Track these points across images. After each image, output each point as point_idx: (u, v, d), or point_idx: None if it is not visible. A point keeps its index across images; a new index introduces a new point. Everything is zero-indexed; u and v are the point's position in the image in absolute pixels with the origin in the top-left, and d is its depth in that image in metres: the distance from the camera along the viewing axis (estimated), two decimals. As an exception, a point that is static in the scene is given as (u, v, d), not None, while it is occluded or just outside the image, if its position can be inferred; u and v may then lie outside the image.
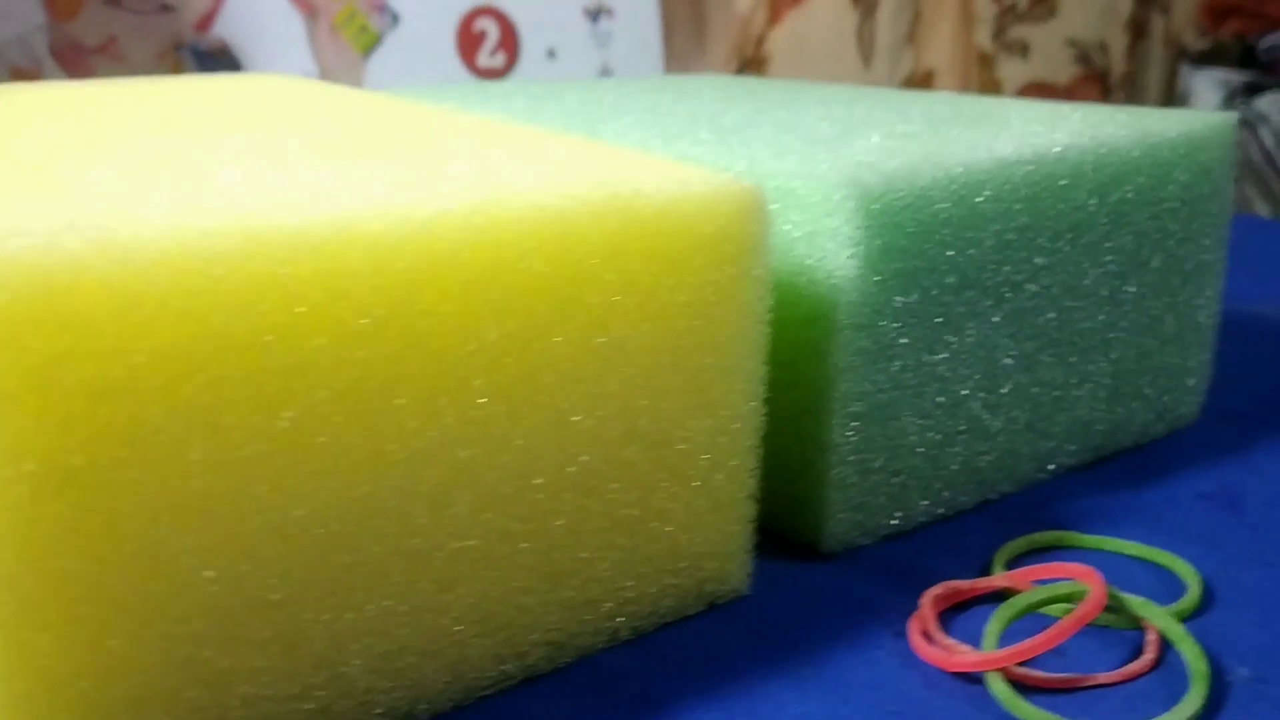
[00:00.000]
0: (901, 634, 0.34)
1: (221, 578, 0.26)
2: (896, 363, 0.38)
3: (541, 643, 0.32)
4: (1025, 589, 0.35)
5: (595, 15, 1.18)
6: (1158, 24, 1.71)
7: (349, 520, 0.28)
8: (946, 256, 0.38)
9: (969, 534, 0.40)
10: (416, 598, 0.29)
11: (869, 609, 0.36)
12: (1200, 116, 0.46)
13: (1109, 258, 0.43)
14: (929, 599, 0.35)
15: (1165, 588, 0.37)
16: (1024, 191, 0.39)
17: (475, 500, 0.30)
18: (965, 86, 1.56)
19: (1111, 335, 0.44)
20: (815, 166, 0.37)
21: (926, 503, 0.40)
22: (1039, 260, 0.41)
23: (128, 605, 0.25)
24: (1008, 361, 0.41)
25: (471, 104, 0.52)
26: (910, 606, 0.35)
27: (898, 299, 0.37)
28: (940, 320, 0.38)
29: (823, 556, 0.39)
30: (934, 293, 0.38)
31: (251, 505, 0.26)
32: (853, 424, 0.37)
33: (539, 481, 0.31)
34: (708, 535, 0.35)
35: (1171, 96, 1.74)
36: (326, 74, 1.04)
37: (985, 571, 0.38)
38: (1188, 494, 0.43)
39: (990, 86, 1.58)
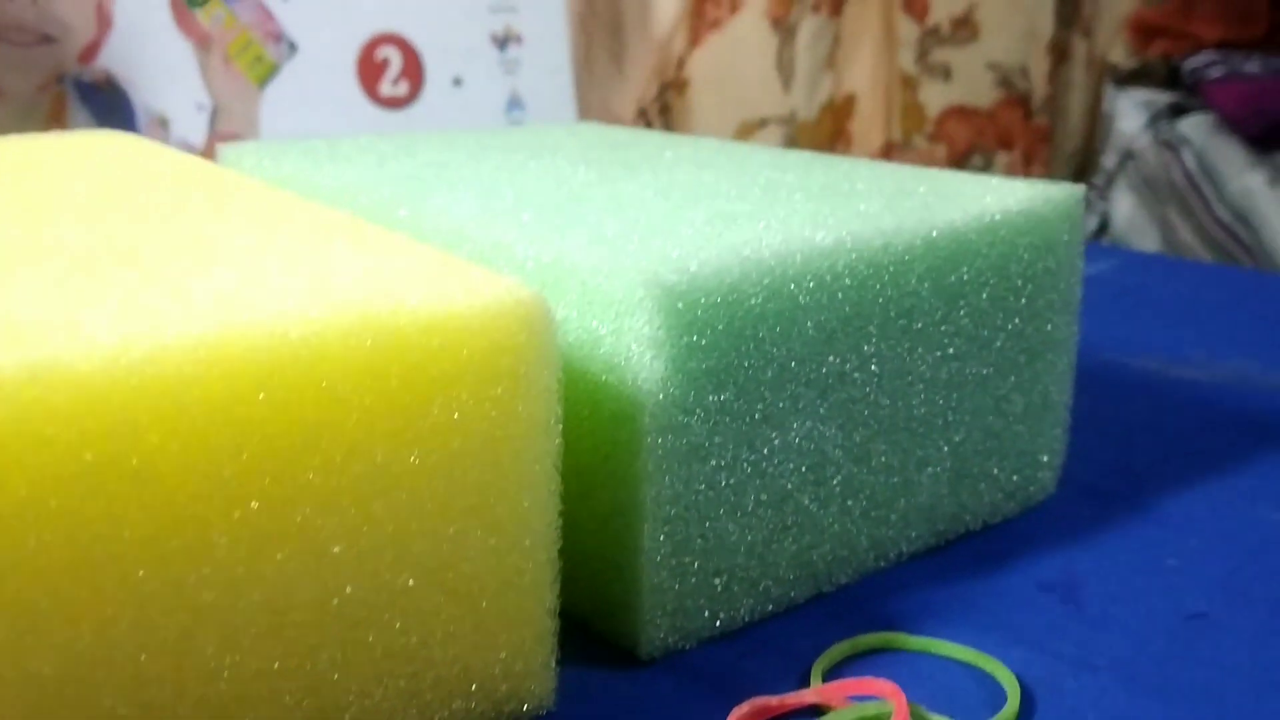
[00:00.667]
0: (704, 757, 0.33)
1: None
2: (711, 461, 0.36)
3: (312, 780, 0.30)
4: (836, 705, 0.34)
5: (503, 42, 1.16)
6: (1080, 47, 1.72)
7: (72, 675, 0.26)
8: (763, 351, 0.36)
9: (797, 634, 0.39)
10: (158, 748, 0.28)
11: (677, 726, 0.34)
12: (1045, 190, 0.45)
13: (946, 341, 0.41)
14: (735, 718, 0.33)
15: (987, 696, 0.36)
16: (847, 280, 0.38)
17: (222, 642, 0.28)
18: (888, 110, 1.55)
19: (952, 418, 0.43)
20: (621, 260, 0.35)
21: (752, 601, 0.39)
22: (867, 348, 0.39)
23: None
24: (837, 452, 0.39)
25: (311, 165, 0.50)
26: (721, 721, 0.34)
27: (710, 397, 0.36)
28: (759, 416, 0.37)
29: (640, 663, 0.37)
30: (750, 389, 0.36)
31: (-49, 667, 0.24)
32: (666, 526, 0.36)
33: (297, 618, 0.29)
34: (502, 655, 0.33)
35: (1096, 117, 1.75)
36: (221, 106, 1.01)
37: (806, 678, 0.36)
38: (1028, 584, 0.42)
39: (913, 110, 1.57)
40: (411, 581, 0.30)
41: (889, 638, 0.38)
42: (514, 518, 0.32)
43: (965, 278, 0.41)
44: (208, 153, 0.97)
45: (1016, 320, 0.44)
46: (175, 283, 0.30)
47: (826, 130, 1.51)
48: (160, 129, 0.99)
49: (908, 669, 0.37)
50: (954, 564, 0.43)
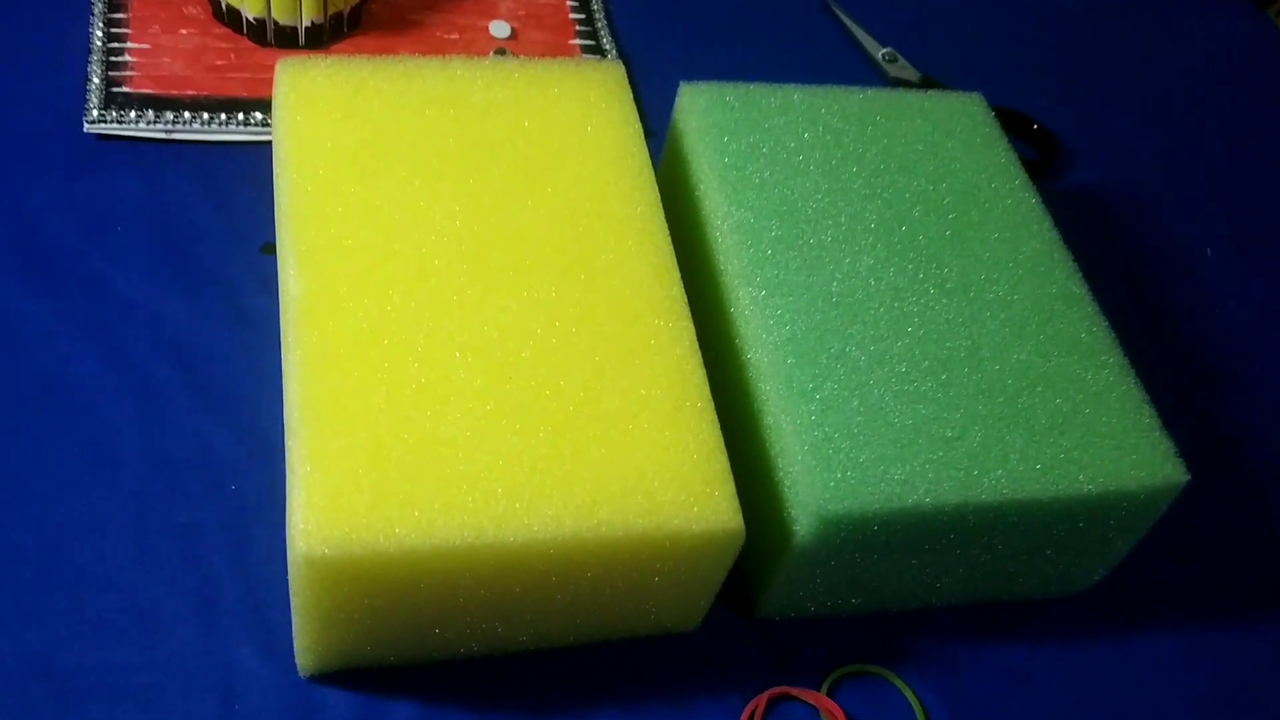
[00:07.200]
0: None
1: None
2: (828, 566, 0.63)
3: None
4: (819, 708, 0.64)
5: None
6: None
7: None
8: (875, 544, 0.61)
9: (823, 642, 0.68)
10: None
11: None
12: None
13: (1018, 548, 0.64)
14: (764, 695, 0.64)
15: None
16: (971, 519, 0.60)
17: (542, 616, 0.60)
18: None
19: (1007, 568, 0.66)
20: (811, 480, 0.59)
21: (828, 609, 0.67)
22: (956, 549, 0.62)
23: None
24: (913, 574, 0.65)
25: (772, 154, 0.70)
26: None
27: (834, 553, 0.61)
28: (867, 565, 0.63)
29: (753, 617, 0.67)
30: (863, 557, 0.62)
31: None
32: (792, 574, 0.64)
33: (571, 613, 0.61)
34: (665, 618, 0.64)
35: None
36: None
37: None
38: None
39: None
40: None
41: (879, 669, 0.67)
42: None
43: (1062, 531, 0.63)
44: None
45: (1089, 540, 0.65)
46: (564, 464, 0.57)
47: None
48: None
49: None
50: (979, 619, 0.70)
